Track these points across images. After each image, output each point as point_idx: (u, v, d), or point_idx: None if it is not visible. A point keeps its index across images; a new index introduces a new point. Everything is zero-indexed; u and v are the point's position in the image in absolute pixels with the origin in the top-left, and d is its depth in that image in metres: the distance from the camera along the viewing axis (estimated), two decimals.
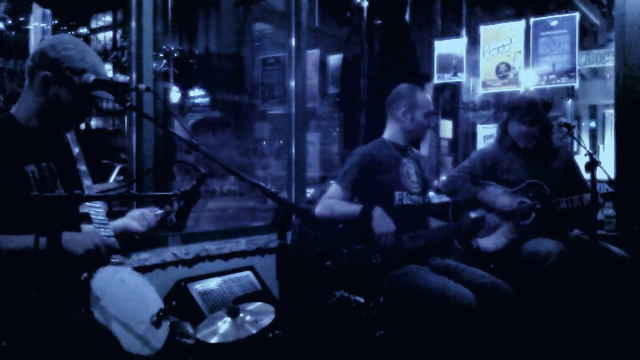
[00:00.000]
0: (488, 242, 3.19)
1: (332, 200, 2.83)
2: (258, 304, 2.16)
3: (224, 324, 2.02)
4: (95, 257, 1.67)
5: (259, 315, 2.03)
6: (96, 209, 1.89)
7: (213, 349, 1.93)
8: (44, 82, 1.79)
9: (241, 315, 2.03)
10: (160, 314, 1.77)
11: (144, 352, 1.66)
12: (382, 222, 2.65)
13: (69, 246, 1.62)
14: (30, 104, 1.83)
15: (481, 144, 4.80)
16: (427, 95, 2.99)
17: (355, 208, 2.74)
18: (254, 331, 1.96)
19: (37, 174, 1.77)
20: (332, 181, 2.98)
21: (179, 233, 3.12)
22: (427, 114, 2.93)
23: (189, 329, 1.97)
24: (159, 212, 2.01)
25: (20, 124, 1.82)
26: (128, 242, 1.96)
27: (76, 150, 1.96)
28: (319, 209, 2.83)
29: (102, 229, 1.86)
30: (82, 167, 1.95)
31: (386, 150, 2.93)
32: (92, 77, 1.77)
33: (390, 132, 2.99)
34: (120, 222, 2.00)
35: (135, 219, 2.01)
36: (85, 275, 1.62)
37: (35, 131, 1.83)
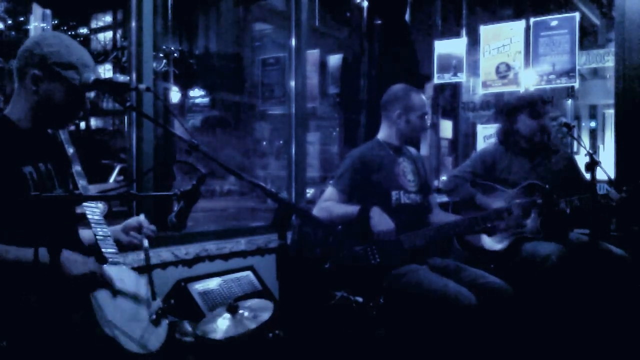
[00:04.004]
0: (490, 242, 3.19)
1: (328, 203, 2.82)
2: (256, 300, 2.17)
3: (224, 320, 2.02)
4: (88, 282, 1.67)
5: (258, 311, 2.04)
6: (92, 209, 1.89)
7: (213, 346, 1.93)
8: (33, 80, 1.78)
9: (240, 311, 2.03)
10: (159, 312, 1.77)
11: (143, 351, 1.66)
12: (380, 221, 2.65)
13: (66, 264, 1.62)
14: (23, 104, 1.82)
15: (481, 144, 4.80)
16: (422, 96, 2.97)
17: (352, 209, 2.73)
18: (254, 326, 1.96)
19: (35, 174, 1.77)
20: (331, 181, 2.98)
21: (178, 233, 3.11)
22: (421, 115, 2.91)
23: (188, 327, 1.97)
24: (153, 228, 2.01)
25: (15, 125, 1.81)
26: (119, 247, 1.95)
27: (70, 150, 1.96)
28: (315, 213, 2.82)
29: (99, 229, 1.86)
30: (77, 168, 1.95)
31: (380, 150, 2.93)
32: (92, 77, 1.77)
33: (384, 133, 2.99)
34: (113, 233, 1.98)
35: (131, 228, 2.01)
36: None
37: (30, 132, 1.82)
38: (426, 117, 2.95)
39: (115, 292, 1.72)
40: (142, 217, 2.04)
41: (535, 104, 3.24)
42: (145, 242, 1.97)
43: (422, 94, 3.01)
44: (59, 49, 1.79)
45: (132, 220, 2.02)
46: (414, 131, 2.94)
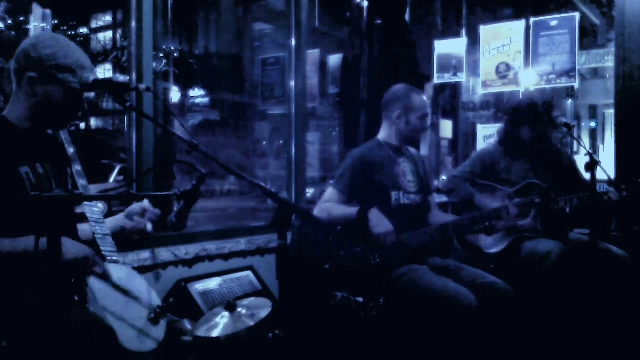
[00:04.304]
0: (489, 243, 3.19)
1: (328, 204, 2.82)
2: (252, 298, 2.17)
3: (223, 319, 2.02)
4: (80, 267, 1.67)
5: (256, 309, 2.04)
6: (92, 208, 1.89)
7: (212, 346, 1.93)
8: (30, 83, 1.78)
9: (239, 310, 2.03)
10: (158, 311, 1.77)
11: (143, 349, 1.66)
12: (379, 223, 2.65)
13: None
14: (21, 105, 1.82)
15: (481, 144, 4.80)
16: (423, 97, 2.96)
17: (351, 210, 2.73)
18: (252, 323, 1.96)
19: (32, 175, 1.76)
20: (331, 181, 2.98)
21: (178, 233, 3.11)
22: (422, 116, 2.91)
23: (188, 326, 1.97)
24: (157, 212, 2.00)
25: (13, 125, 1.81)
26: (125, 241, 1.95)
27: (71, 150, 1.96)
28: (316, 213, 2.82)
29: (98, 228, 1.86)
30: (77, 167, 1.94)
31: (381, 151, 2.93)
32: (92, 77, 1.77)
33: (385, 133, 2.99)
34: (117, 222, 1.99)
35: (135, 214, 2.00)
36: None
37: (28, 132, 1.82)
38: (427, 118, 2.95)
39: (114, 292, 1.72)
40: (145, 202, 2.03)
41: (541, 113, 3.22)
42: (150, 227, 1.96)
43: (423, 94, 3.00)
44: (56, 51, 1.79)
45: (135, 207, 2.01)
46: (414, 132, 2.94)
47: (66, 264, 1.63)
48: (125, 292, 1.75)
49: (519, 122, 3.27)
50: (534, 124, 3.22)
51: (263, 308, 2.04)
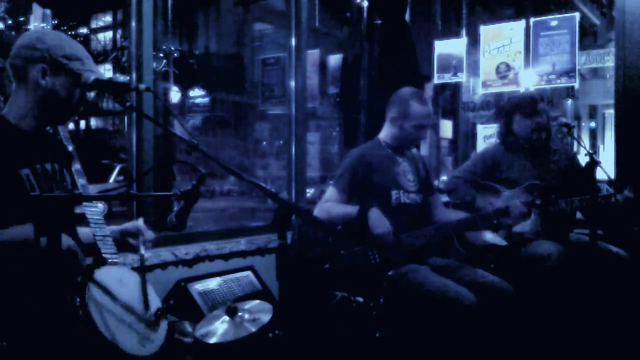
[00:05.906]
0: (493, 238, 3.18)
1: (328, 204, 2.82)
2: (255, 302, 2.15)
3: (223, 324, 2.01)
4: (68, 260, 1.65)
5: (257, 314, 2.03)
6: (92, 209, 1.88)
7: (213, 348, 1.93)
8: (41, 75, 1.77)
9: (239, 314, 2.02)
10: (159, 313, 1.77)
11: (143, 352, 1.65)
12: (379, 222, 2.64)
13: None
14: (24, 102, 1.80)
15: (481, 144, 4.79)
16: (425, 107, 2.88)
17: (351, 210, 2.73)
18: (254, 329, 1.95)
19: (32, 177, 1.75)
20: (331, 181, 2.98)
21: (178, 233, 3.11)
22: (417, 126, 2.86)
23: (188, 327, 1.97)
24: (152, 236, 1.99)
25: (13, 126, 1.79)
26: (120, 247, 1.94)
27: (70, 148, 1.95)
28: (316, 213, 2.82)
29: (98, 229, 1.85)
30: (77, 166, 1.93)
31: (380, 150, 2.93)
32: (92, 77, 1.76)
33: (384, 133, 2.99)
34: (113, 232, 1.97)
35: (129, 235, 1.99)
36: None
37: (29, 132, 1.80)
38: (424, 129, 2.90)
39: (114, 294, 1.71)
40: (140, 222, 2.02)
41: (526, 103, 3.26)
42: (142, 250, 1.96)
43: (428, 104, 2.91)
44: (61, 42, 1.80)
45: (130, 226, 2.00)
46: (407, 139, 2.92)
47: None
48: (125, 294, 1.74)
49: (512, 118, 3.29)
50: (524, 115, 3.23)
51: (264, 312, 2.03)
